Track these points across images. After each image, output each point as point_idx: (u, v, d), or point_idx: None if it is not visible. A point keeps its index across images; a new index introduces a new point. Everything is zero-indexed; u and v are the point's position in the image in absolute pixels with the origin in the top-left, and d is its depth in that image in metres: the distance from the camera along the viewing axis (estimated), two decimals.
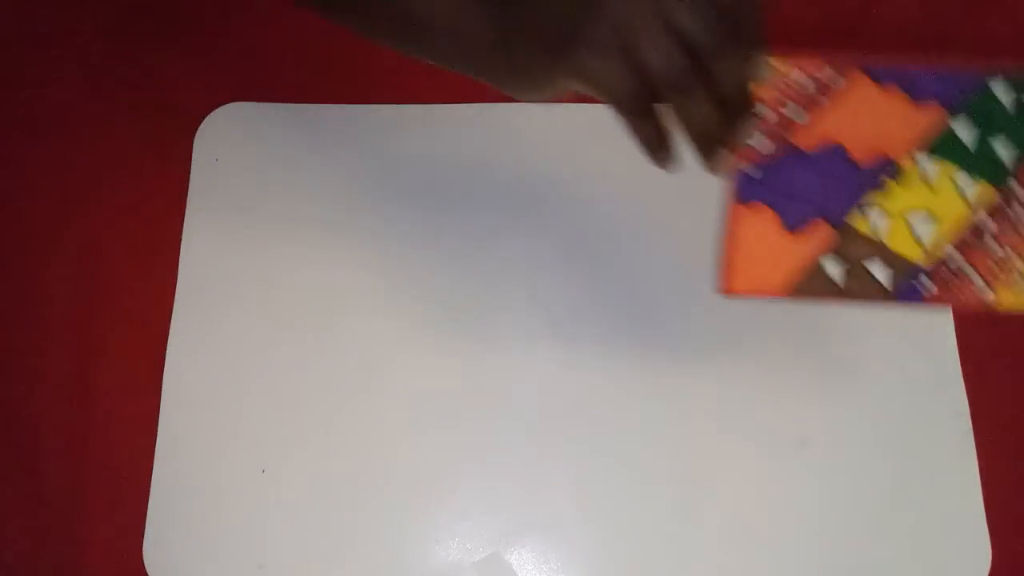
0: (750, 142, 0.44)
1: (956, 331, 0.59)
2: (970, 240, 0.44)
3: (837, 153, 0.44)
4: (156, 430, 0.57)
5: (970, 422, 0.58)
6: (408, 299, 0.61)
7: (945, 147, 0.44)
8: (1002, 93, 0.44)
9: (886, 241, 0.44)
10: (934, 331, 0.60)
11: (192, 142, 0.65)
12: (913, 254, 0.44)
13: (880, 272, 0.44)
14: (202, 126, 0.65)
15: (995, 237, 0.44)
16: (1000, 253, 0.44)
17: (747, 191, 0.44)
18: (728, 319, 0.60)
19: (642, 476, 0.57)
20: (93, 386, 0.59)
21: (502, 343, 0.60)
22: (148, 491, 0.56)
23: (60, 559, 0.56)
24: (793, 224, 0.44)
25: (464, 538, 0.56)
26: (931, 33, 0.68)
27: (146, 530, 0.56)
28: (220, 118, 0.66)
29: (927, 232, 0.44)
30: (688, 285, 0.61)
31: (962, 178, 0.44)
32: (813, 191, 0.44)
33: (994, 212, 0.44)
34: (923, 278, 0.44)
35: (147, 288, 0.61)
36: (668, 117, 0.40)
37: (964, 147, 0.44)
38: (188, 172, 0.64)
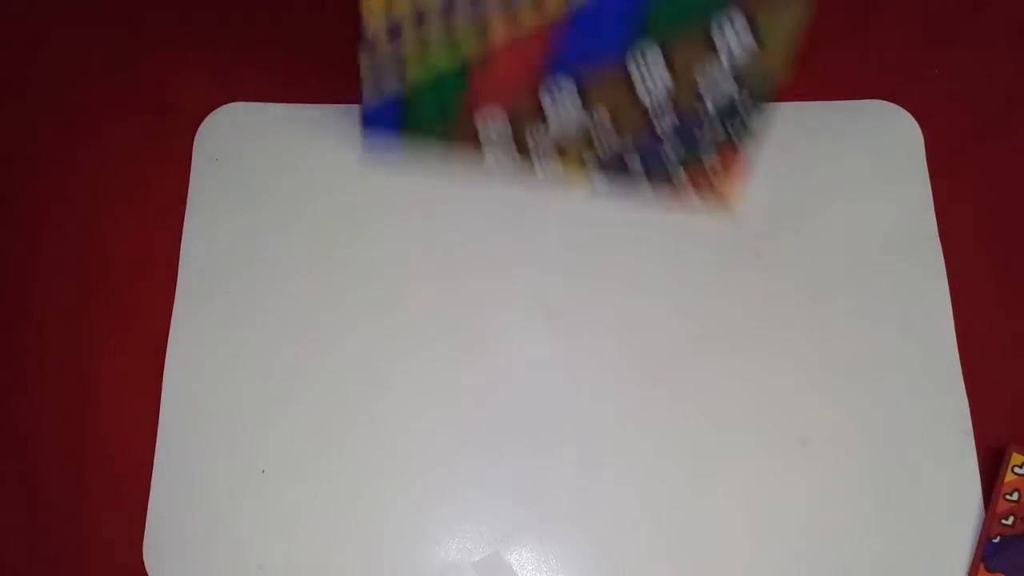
0: (1005, 522, 0.52)
1: (956, 330, 0.59)
2: None
3: None
4: (156, 430, 0.58)
5: (970, 422, 0.58)
6: (408, 298, 0.61)
7: None
8: None
9: None
10: (934, 331, 0.60)
11: (192, 142, 0.65)
12: None
13: None
14: (202, 126, 0.65)
15: None
16: None
17: (992, 561, 0.53)
18: (727, 318, 0.60)
19: (642, 476, 0.57)
20: (93, 386, 0.59)
21: (502, 343, 0.60)
22: (148, 491, 0.56)
23: (60, 559, 0.56)
24: None
25: (464, 538, 0.56)
26: None
27: (146, 530, 0.56)
28: (220, 118, 0.66)
29: None
30: (688, 285, 0.61)
31: None
32: None
33: None
34: None
35: (147, 288, 0.61)
36: None
37: None
38: (188, 172, 0.64)
